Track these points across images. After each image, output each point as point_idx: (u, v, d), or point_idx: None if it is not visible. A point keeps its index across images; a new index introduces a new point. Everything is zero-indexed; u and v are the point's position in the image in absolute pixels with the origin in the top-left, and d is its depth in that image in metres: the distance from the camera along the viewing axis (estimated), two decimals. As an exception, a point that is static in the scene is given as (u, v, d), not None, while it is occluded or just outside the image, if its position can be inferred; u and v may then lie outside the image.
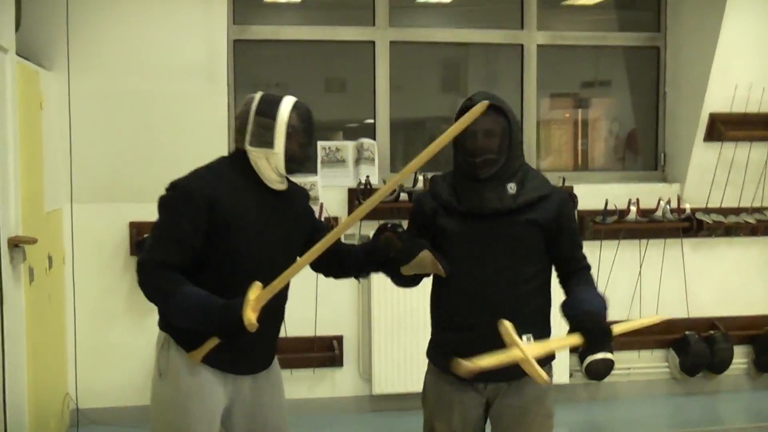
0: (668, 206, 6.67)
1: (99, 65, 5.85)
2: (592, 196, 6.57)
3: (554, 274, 3.55)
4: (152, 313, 6.07)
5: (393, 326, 6.24)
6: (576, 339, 3.28)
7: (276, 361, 3.57)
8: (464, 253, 3.42)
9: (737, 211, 6.76)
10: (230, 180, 3.27)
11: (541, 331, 3.45)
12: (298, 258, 3.38)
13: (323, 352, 6.27)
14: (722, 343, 6.75)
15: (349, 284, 6.27)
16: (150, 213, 6.07)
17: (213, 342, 3.17)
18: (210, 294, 3.09)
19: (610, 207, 6.56)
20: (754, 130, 6.62)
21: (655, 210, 6.65)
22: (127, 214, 5.99)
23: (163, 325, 3.36)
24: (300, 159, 3.33)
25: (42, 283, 5.28)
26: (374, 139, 6.55)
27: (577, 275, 3.49)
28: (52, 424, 5.47)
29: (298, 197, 3.54)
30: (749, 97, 6.58)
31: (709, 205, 6.76)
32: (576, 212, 6.51)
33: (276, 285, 3.13)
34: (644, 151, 7.32)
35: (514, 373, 3.22)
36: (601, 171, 7.25)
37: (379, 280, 6.14)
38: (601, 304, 3.35)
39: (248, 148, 3.27)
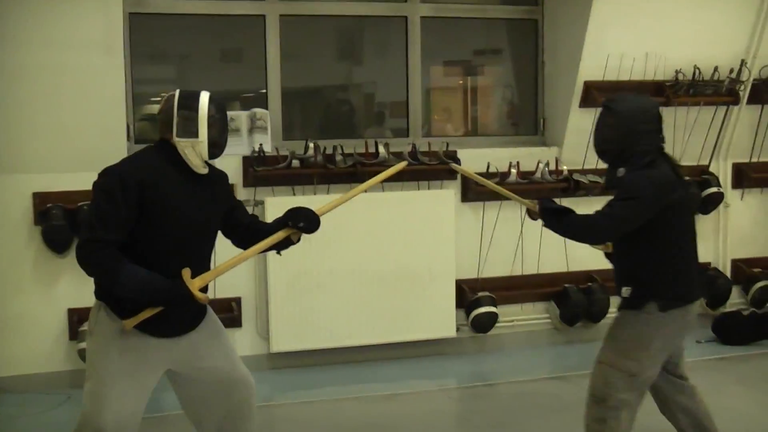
0: (547, 168, 7.05)
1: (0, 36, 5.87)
2: (476, 159, 6.87)
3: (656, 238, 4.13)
4: (56, 284, 6.24)
5: (289, 287, 6.48)
6: None
7: (210, 311, 3.97)
8: None
9: (612, 171, 7.13)
10: (157, 166, 3.67)
11: (638, 284, 4.18)
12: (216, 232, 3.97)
13: (222, 313, 6.35)
14: (599, 294, 7.18)
15: (246, 248, 6.50)
16: (53, 183, 6.19)
17: (148, 312, 3.57)
18: (151, 272, 3.52)
19: (492, 170, 6.88)
20: (625, 96, 7.01)
21: (534, 172, 7.03)
22: (30, 184, 6.03)
23: (99, 294, 3.71)
24: (220, 144, 3.79)
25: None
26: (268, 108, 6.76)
27: None
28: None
29: (219, 180, 3.97)
30: (621, 65, 7.00)
31: (586, 167, 7.11)
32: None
33: (224, 267, 3.79)
34: (525, 117, 7.72)
35: None
36: (484, 136, 7.61)
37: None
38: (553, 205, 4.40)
39: (176, 139, 3.69)
